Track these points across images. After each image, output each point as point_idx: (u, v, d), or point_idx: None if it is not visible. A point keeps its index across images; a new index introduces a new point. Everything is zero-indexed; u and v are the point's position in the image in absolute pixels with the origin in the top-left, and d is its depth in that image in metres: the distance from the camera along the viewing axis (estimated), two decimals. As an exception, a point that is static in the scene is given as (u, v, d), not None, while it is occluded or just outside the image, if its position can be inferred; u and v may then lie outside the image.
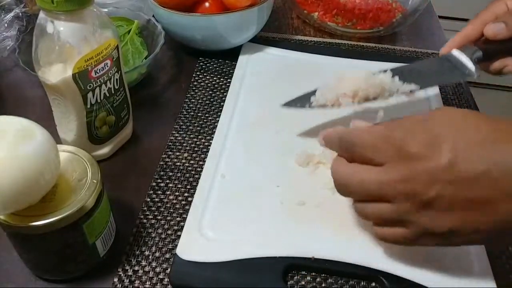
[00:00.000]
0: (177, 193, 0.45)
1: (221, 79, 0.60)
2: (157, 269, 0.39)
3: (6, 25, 0.63)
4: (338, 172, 0.35)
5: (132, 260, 0.39)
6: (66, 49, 0.39)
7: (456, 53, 0.48)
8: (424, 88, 0.49)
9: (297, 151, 0.48)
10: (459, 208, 0.31)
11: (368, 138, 0.34)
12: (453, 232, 0.32)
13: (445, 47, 0.49)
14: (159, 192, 0.45)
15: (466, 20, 1.37)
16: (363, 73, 0.48)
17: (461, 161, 0.30)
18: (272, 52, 0.63)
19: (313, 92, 0.49)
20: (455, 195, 0.31)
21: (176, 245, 0.39)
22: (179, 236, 0.40)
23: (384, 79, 0.47)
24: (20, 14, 0.64)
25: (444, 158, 0.30)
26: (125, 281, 0.38)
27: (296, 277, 0.39)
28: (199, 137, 0.51)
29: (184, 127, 0.52)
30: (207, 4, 0.59)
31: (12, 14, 0.64)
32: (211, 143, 0.49)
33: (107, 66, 0.42)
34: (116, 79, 0.45)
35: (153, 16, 0.61)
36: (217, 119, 0.53)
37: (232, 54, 0.62)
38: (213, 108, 0.55)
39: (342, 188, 0.35)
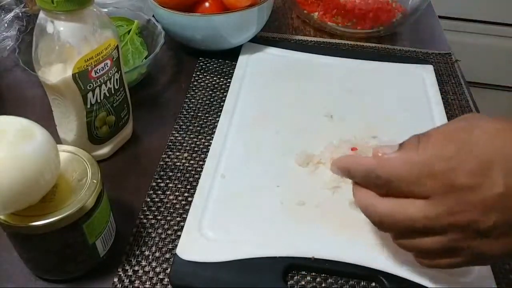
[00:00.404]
0: (177, 193, 0.45)
1: (221, 79, 0.60)
2: (157, 269, 0.39)
3: (6, 25, 0.63)
4: (379, 210, 0.33)
5: (132, 260, 0.39)
6: (66, 49, 0.39)
7: None
8: None
9: (297, 151, 0.48)
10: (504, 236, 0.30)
11: (407, 173, 0.31)
12: (508, 254, 0.31)
13: None
14: (159, 192, 0.45)
15: (466, 20, 1.37)
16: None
17: None
18: (272, 52, 0.63)
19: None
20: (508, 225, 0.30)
21: (176, 245, 0.39)
22: (179, 236, 0.40)
23: None
24: (20, 14, 0.64)
25: (498, 186, 0.29)
26: (125, 281, 0.38)
27: (296, 277, 0.39)
28: (199, 137, 0.51)
29: (184, 127, 0.52)
30: (207, 4, 0.59)
31: (12, 14, 0.64)
32: (211, 143, 0.49)
33: (107, 66, 0.42)
34: (116, 79, 0.45)
35: (153, 16, 0.61)
36: (217, 119, 0.53)
37: (232, 54, 0.62)
38: (213, 108, 0.55)
39: (385, 225, 0.33)
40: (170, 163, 0.48)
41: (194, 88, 0.58)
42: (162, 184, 0.46)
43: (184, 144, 0.50)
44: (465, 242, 0.31)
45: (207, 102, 0.56)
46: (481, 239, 0.30)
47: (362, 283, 0.38)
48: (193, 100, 0.56)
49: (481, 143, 0.30)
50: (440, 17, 0.77)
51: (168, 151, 0.49)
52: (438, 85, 0.59)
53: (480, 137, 0.30)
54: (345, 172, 0.35)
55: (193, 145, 0.50)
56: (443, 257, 0.33)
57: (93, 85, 0.42)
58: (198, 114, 0.54)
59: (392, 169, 0.32)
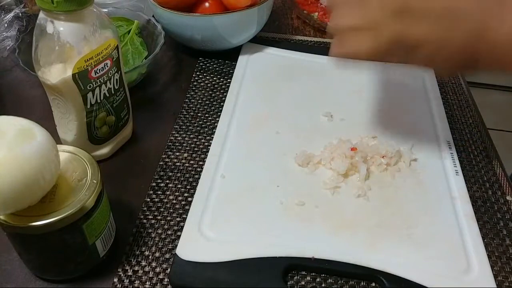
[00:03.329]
0: (177, 193, 0.45)
1: (221, 79, 0.60)
2: (157, 269, 0.39)
3: (6, 25, 0.63)
4: None
5: (132, 260, 0.39)
6: (66, 49, 0.39)
7: None
8: None
9: (297, 151, 0.48)
10: (433, 17, 0.31)
11: None
12: (421, 44, 0.32)
13: None
14: (159, 192, 0.45)
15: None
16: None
17: None
18: (272, 52, 0.64)
19: None
20: (427, 4, 0.31)
21: (176, 245, 0.39)
22: (179, 236, 0.40)
23: None
24: (20, 14, 0.64)
25: None
26: (125, 281, 0.38)
27: (296, 277, 0.39)
28: (199, 137, 0.51)
29: (184, 127, 0.52)
30: (207, 4, 0.59)
31: (12, 14, 0.64)
32: (211, 143, 0.49)
33: (107, 66, 0.42)
34: (116, 79, 0.45)
35: (153, 16, 0.61)
36: (217, 119, 0.53)
37: (232, 54, 0.62)
38: (213, 108, 0.55)
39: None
40: (170, 163, 0.48)
41: (194, 88, 0.58)
42: (162, 184, 0.46)
43: (184, 144, 0.50)
44: (385, 20, 0.32)
45: (207, 102, 0.56)
46: (399, 18, 0.32)
47: (362, 283, 0.38)
48: (193, 100, 0.56)
49: None
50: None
51: (168, 151, 0.49)
52: (438, 85, 0.59)
53: None
54: None
55: (193, 145, 0.50)
56: (360, 34, 0.34)
57: (93, 85, 0.42)
58: (198, 114, 0.54)
59: None
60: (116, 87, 0.45)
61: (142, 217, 0.43)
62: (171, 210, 0.43)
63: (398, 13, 0.32)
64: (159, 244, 0.41)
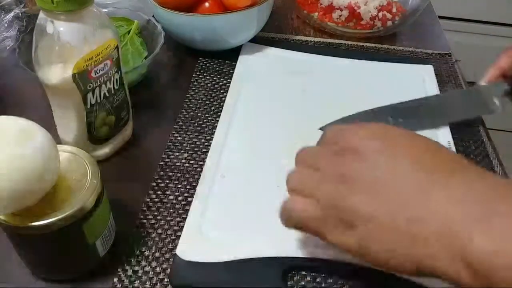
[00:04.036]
0: (177, 193, 0.45)
1: (221, 79, 0.60)
2: (157, 269, 0.39)
3: (6, 25, 0.63)
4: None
5: (132, 260, 0.39)
6: (66, 49, 0.39)
7: (483, 88, 0.48)
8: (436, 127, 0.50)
9: (297, 151, 0.48)
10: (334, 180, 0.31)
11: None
12: (358, 218, 0.31)
13: (482, 81, 0.49)
14: (159, 192, 0.45)
15: (466, 20, 1.37)
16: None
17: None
18: (272, 52, 0.64)
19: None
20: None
21: (176, 245, 0.39)
22: (179, 236, 0.40)
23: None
24: (20, 14, 0.64)
25: (354, 142, 0.32)
26: (125, 281, 0.38)
27: (296, 277, 0.39)
28: (199, 137, 0.51)
29: (184, 127, 0.52)
30: (207, 4, 0.59)
31: (12, 14, 0.64)
32: (211, 143, 0.49)
33: (107, 66, 0.42)
34: (116, 79, 0.45)
35: (153, 16, 0.60)
36: (217, 119, 0.53)
37: (232, 54, 0.62)
38: (213, 108, 0.55)
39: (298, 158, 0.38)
40: (170, 163, 0.48)
41: (194, 88, 0.58)
42: (162, 184, 0.46)
43: (184, 144, 0.50)
44: (319, 185, 0.32)
45: (207, 102, 0.56)
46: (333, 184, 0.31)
47: (362, 283, 0.38)
48: (193, 100, 0.56)
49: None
50: (440, 17, 0.77)
51: (168, 151, 0.49)
52: (438, 85, 0.59)
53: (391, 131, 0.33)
54: None
55: (193, 145, 0.50)
56: (300, 193, 0.33)
57: (93, 85, 0.42)
58: (198, 114, 0.54)
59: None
60: (116, 87, 0.45)
61: (142, 217, 0.43)
62: (171, 210, 0.43)
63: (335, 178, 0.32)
64: (159, 244, 0.41)
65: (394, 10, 0.69)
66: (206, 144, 0.50)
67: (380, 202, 0.29)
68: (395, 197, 0.29)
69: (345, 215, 0.30)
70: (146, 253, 0.40)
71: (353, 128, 0.34)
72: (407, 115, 0.50)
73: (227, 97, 0.55)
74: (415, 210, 0.28)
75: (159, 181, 0.46)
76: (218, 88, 0.58)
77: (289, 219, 0.34)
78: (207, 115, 0.54)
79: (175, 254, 0.38)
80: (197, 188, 0.44)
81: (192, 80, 0.59)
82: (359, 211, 0.30)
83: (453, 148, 0.50)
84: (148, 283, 0.38)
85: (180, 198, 0.45)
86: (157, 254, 0.40)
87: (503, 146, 0.65)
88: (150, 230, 0.42)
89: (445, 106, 0.50)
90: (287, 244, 0.40)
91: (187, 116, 0.54)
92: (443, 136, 0.51)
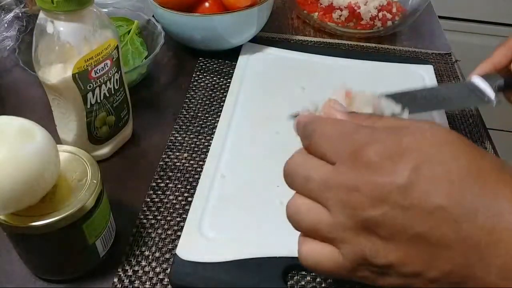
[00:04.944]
0: (177, 193, 0.45)
1: (221, 79, 0.60)
2: (157, 269, 0.39)
3: (6, 25, 0.63)
4: (291, 159, 0.31)
5: (132, 260, 0.39)
6: (66, 49, 0.39)
7: (478, 80, 0.48)
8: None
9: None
10: (405, 241, 0.26)
11: (329, 130, 0.29)
12: (393, 267, 0.26)
13: (472, 74, 0.49)
14: (159, 192, 0.45)
15: (466, 20, 1.37)
16: (369, 95, 0.48)
17: (419, 187, 0.25)
18: (272, 52, 0.63)
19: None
20: (403, 224, 0.25)
21: (176, 245, 0.39)
22: (179, 236, 0.40)
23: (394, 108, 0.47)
24: (20, 14, 0.64)
25: (402, 178, 0.25)
26: (125, 281, 0.38)
27: (296, 277, 0.39)
28: (199, 137, 0.51)
29: (184, 127, 0.52)
30: (207, 4, 0.59)
31: (12, 14, 0.64)
32: (211, 143, 0.49)
33: (107, 66, 0.42)
34: (116, 79, 0.45)
35: (153, 16, 0.61)
36: (217, 119, 0.53)
37: (232, 54, 0.62)
38: (213, 108, 0.55)
39: (287, 177, 0.31)
40: (170, 163, 0.48)
41: (194, 88, 0.58)
42: (162, 184, 0.46)
43: (184, 144, 0.50)
44: (350, 234, 0.27)
45: (207, 102, 0.56)
46: (367, 234, 0.26)
47: (362, 283, 0.38)
48: (193, 100, 0.56)
49: (413, 133, 0.27)
50: (440, 17, 0.77)
51: (168, 151, 0.49)
52: (438, 85, 0.59)
53: (418, 129, 0.27)
54: (296, 126, 0.34)
55: (193, 145, 0.50)
56: (322, 242, 0.29)
57: (93, 85, 0.42)
58: (198, 114, 0.54)
59: (321, 124, 0.30)
60: (116, 87, 0.45)
61: (142, 217, 0.43)
62: (171, 210, 0.43)
63: (364, 228, 0.26)
64: (159, 244, 0.41)
65: (394, 10, 0.69)
66: (206, 144, 0.50)
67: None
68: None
69: None
70: (146, 253, 0.40)
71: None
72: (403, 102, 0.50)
73: (227, 97, 0.55)
74: None
75: (159, 181, 0.46)
76: (218, 88, 0.58)
77: (312, 268, 0.30)
78: (207, 115, 0.54)
79: (175, 254, 0.38)
80: (197, 188, 0.44)
81: (192, 80, 0.59)
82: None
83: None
84: (148, 283, 0.38)
85: (180, 198, 0.45)
86: (157, 254, 0.40)
87: (503, 146, 0.65)
88: (150, 230, 0.42)
89: (441, 95, 0.50)
90: (287, 244, 0.40)
91: (187, 116, 0.54)
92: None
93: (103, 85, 0.43)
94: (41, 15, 0.39)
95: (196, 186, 0.44)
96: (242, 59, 0.61)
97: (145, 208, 0.44)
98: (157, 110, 0.55)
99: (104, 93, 0.44)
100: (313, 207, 0.28)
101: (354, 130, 0.28)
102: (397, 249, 0.26)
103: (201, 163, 0.48)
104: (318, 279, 0.39)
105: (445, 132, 0.27)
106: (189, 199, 0.44)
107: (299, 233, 0.41)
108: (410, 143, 0.26)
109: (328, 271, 0.29)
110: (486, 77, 0.48)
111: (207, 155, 0.48)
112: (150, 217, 0.43)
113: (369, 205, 0.26)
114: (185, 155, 0.49)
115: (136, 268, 0.39)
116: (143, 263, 0.39)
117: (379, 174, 0.26)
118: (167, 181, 0.46)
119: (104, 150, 0.48)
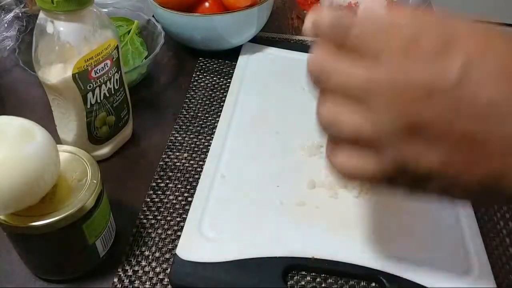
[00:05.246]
0: (177, 193, 0.45)
1: (221, 79, 0.60)
2: (157, 269, 0.39)
3: (6, 25, 0.63)
4: (316, 57, 0.28)
5: (132, 260, 0.39)
6: (66, 49, 0.39)
7: None
8: None
9: (297, 151, 0.48)
10: (451, 143, 0.24)
11: (370, 24, 0.26)
12: (433, 174, 0.25)
13: None
14: (159, 192, 0.45)
15: (466, 20, 1.37)
16: None
17: (472, 80, 0.23)
18: (272, 52, 0.64)
19: None
20: (452, 123, 0.24)
21: (176, 245, 0.39)
22: (179, 236, 0.40)
23: None
24: (20, 14, 0.64)
25: (454, 69, 0.23)
26: (125, 281, 0.38)
27: (296, 277, 0.39)
28: (199, 137, 0.51)
29: (184, 127, 0.52)
30: (207, 4, 0.59)
31: (12, 14, 0.64)
32: (211, 143, 0.49)
33: (107, 66, 0.42)
34: (116, 79, 0.45)
35: (153, 16, 0.61)
36: (217, 119, 0.53)
37: (232, 54, 0.62)
38: (213, 108, 0.55)
39: (316, 75, 0.28)
40: (170, 163, 0.48)
41: (194, 88, 0.58)
42: (162, 184, 0.46)
43: (184, 144, 0.50)
44: (394, 138, 0.25)
45: (207, 102, 0.56)
46: (411, 139, 0.25)
47: (362, 283, 0.38)
48: (193, 100, 0.56)
49: (462, 27, 0.25)
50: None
51: (168, 151, 0.49)
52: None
53: (467, 26, 0.25)
54: (316, 27, 0.29)
55: (193, 145, 0.50)
56: (362, 151, 0.27)
57: (93, 85, 0.42)
58: (198, 114, 0.54)
59: (359, 20, 0.26)
60: (116, 87, 0.45)
61: (142, 217, 0.43)
62: (171, 210, 0.43)
63: (409, 131, 0.25)
64: (159, 244, 0.41)
65: (394, 10, 0.69)
66: (206, 144, 0.50)
67: None
68: None
69: None
70: (146, 253, 0.40)
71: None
72: None
73: (227, 97, 0.55)
74: None
75: (159, 181, 0.46)
76: (218, 88, 0.58)
77: (348, 176, 0.28)
78: (207, 115, 0.54)
79: (175, 254, 0.38)
80: (197, 188, 0.44)
81: (192, 80, 0.59)
82: None
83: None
84: (148, 283, 0.38)
85: (180, 198, 0.45)
86: (157, 254, 0.40)
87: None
88: (150, 230, 0.42)
89: None
90: (287, 244, 0.40)
91: (187, 116, 0.54)
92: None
93: (103, 85, 0.43)
94: (41, 15, 0.39)
95: (196, 186, 0.44)
96: (242, 59, 0.61)
97: (145, 208, 0.44)
98: (157, 110, 0.55)
99: (104, 93, 0.44)
100: (355, 110, 0.26)
101: (399, 20, 0.26)
102: (440, 154, 0.25)
103: (201, 163, 0.48)
104: (318, 279, 0.39)
105: (498, 31, 0.25)
106: (189, 199, 0.44)
107: (299, 232, 0.41)
108: (463, 37, 0.24)
109: (367, 177, 0.27)
110: None
111: (207, 155, 0.48)
112: (150, 217, 0.43)
113: (419, 102, 0.24)
114: (185, 155, 0.49)
115: (136, 268, 0.39)
116: (143, 263, 0.39)
117: (432, 69, 0.24)
118: (167, 181, 0.46)
119: (104, 150, 0.48)
